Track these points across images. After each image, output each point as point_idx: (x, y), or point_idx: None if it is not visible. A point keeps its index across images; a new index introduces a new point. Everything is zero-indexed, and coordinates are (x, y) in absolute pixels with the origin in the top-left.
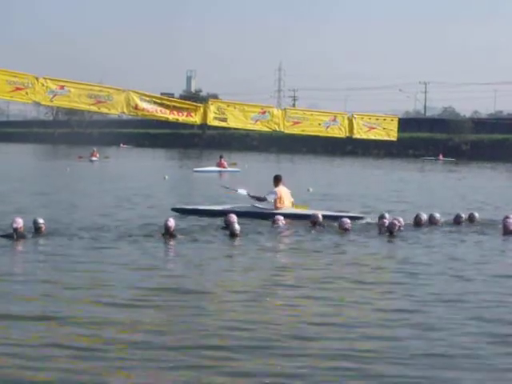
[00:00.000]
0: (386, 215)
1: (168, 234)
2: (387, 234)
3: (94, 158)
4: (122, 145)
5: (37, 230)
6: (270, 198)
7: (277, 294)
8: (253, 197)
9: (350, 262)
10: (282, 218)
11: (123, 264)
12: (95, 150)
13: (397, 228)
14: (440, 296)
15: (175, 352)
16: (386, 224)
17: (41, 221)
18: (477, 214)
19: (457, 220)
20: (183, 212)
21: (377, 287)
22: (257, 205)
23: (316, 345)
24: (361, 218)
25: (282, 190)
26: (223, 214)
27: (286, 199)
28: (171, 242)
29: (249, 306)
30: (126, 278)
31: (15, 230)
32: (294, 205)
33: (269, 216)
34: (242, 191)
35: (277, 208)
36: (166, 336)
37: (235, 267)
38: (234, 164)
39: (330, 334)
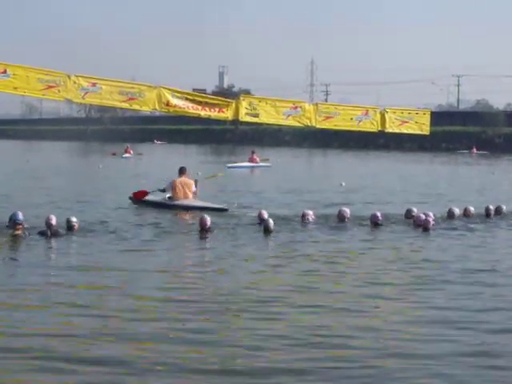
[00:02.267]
0: (414, 209)
1: (204, 229)
2: (421, 229)
3: (126, 155)
4: (155, 141)
5: (69, 228)
6: (168, 187)
7: (320, 298)
8: (161, 190)
9: (394, 260)
10: (311, 213)
11: (158, 264)
12: (128, 146)
13: (431, 224)
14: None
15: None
16: (422, 219)
17: (74, 219)
18: (504, 207)
19: (487, 213)
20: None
21: (427, 286)
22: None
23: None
24: (226, 209)
25: (180, 181)
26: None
27: (182, 191)
28: (207, 239)
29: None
30: (158, 280)
31: (49, 227)
32: (196, 195)
33: (170, 207)
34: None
35: (173, 198)
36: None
37: (274, 267)
38: (267, 160)
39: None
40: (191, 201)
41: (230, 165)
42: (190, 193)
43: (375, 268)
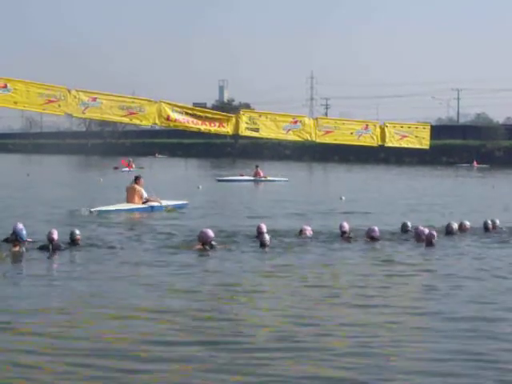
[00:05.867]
0: (409, 224)
1: (205, 244)
2: (425, 244)
3: (126, 169)
4: (157, 155)
5: (73, 241)
6: None
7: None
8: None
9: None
10: (309, 228)
11: (158, 280)
12: (131, 160)
13: (435, 238)
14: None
15: None
16: (425, 233)
17: (77, 232)
18: (498, 221)
19: (485, 227)
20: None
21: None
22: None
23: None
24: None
25: (128, 187)
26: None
27: (130, 197)
28: (208, 254)
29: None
30: (160, 298)
31: (51, 241)
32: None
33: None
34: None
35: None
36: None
37: (270, 282)
38: (266, 178)
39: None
40: (129, 205)
41: (219, 178)
42: (135, 198)
43: (379, 290)
